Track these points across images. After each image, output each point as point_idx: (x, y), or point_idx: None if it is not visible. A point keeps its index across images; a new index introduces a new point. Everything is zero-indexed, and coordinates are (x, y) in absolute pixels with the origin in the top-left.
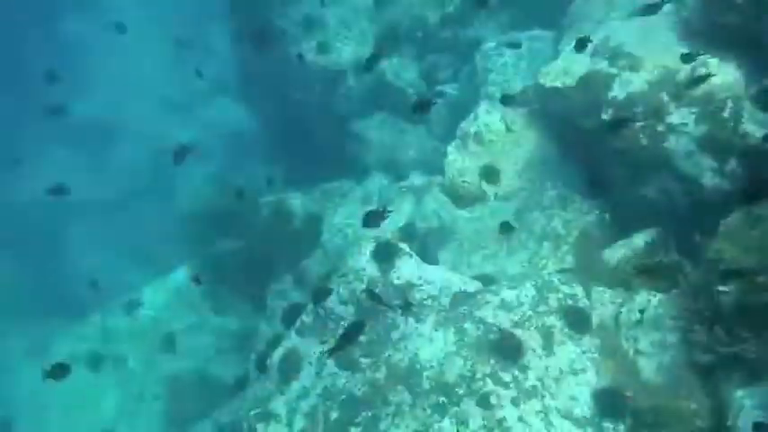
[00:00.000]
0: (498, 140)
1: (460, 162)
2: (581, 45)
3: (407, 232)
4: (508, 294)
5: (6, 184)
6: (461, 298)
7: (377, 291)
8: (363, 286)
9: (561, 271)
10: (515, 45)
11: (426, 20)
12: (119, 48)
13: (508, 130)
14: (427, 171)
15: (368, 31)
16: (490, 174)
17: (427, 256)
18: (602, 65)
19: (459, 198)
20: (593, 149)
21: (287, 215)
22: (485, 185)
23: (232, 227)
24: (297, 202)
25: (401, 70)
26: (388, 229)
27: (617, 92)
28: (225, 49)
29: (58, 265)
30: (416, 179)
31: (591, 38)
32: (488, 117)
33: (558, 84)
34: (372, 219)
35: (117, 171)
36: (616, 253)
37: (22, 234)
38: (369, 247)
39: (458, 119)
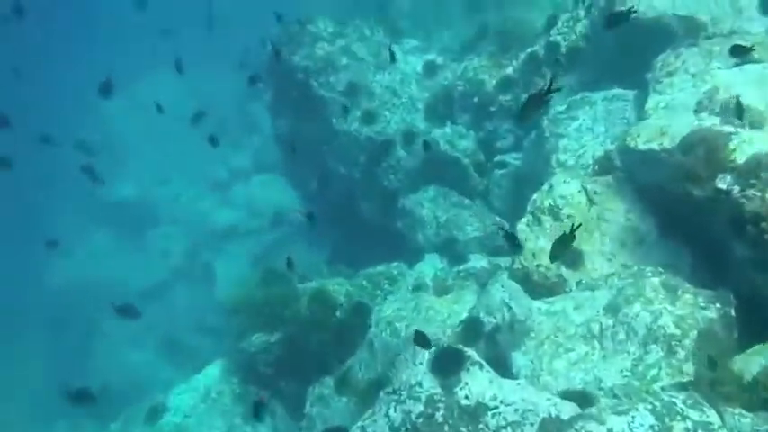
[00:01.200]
0: (579, 215)
1: (534, 242)
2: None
3: (471, 329)
4: (617, 423)
5: (40, 267)
6: (552, 427)
7: (439, 414)
8: (421, 408)
9: (681, 386)
10: (590, 105)
11: (482, 84)
12: (157, 127)
13: (590, 202)
14: (489, 252)
15: (417, 99)
16: (571, 256)
17: (497, 361)
18: (713, 121)
19: (534, 286)
20: (707, 224)
21: (329, 304)
22: (565, 271)
23: (271, 317)
24: (340, 288)
25: (456, 139)
26: (447, 324)
27: (736, 153)
28: (267, 125)
29: (89, 359)
30: (478, 262)
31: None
32: (565, 188)
33: (654, 146)
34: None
35: (153, 255)
36: (751, 363)
37: (54, 321)
38: (426, 355)
39: (522, 192)
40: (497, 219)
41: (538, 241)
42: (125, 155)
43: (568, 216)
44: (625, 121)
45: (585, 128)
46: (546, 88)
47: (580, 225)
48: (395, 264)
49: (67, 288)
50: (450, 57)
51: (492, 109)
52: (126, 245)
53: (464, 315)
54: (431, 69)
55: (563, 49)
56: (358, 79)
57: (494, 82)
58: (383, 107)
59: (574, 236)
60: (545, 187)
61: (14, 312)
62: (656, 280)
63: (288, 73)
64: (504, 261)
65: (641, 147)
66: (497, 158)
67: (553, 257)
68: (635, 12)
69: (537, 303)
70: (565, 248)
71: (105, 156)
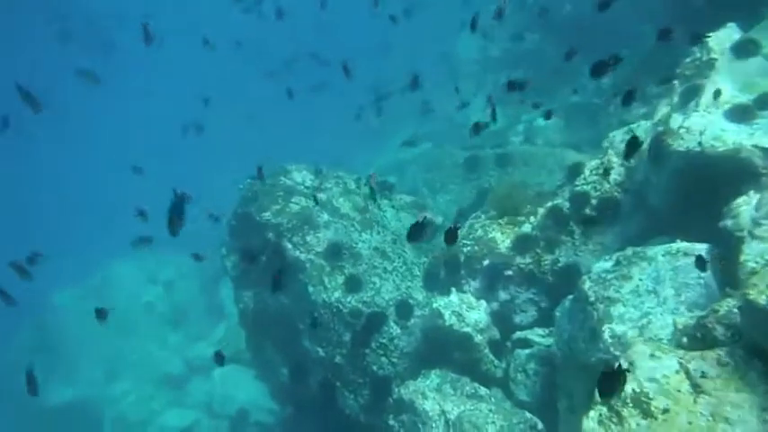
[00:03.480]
0: (681, 409)
1: None
2: None
3: None
4: None
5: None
6: None
7: None
8: None
9: None
10: (649, 262)
11: (494, 243)
12: (111, 318)
13: (696, 389)
14: None
15: (413, 262)
16: None
17: None
18: None
19: None
20: None
21: None
22: None
23: None
24: None
25: (464, 310)
26: None
27: None
28: (229, 303)
29: None
30: None
31: None
32: (656, 366)
33: None
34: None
35: None
36: None
37: None
38: None
39: (558, 379)
40: (528, 415)
41: None
42: (71, 351)
43: (665, 411)
44: (701, 281)
45: (646, 290)
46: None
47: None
48: None
49: None
50: (449, 220)
51: (507, 273)
52: None
53: None
54: (429, 229)
55: (593, 200)
56: (341, 239)
57: (508, 241)
58: (372, 272)
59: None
60: (620, 365)
61: None
62: None
63: (256, 233)
64: None
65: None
66: (518, 335)
67: None
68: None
69: None
70: None
71: (45, 354)
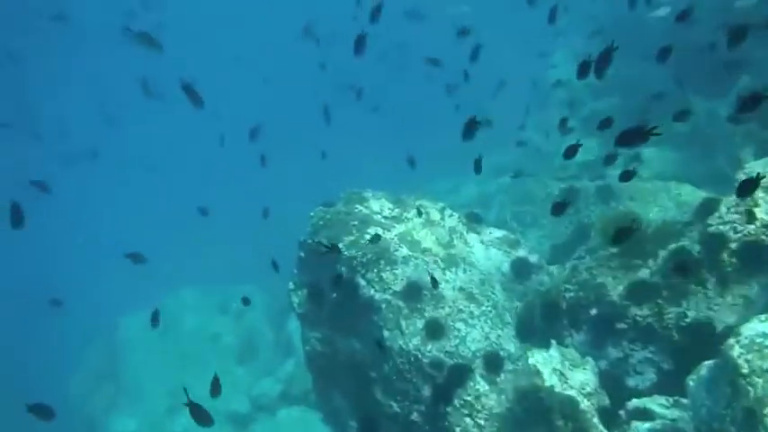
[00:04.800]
0: None
1: None
2: None
3: None
4: None
5: None
6: None
7: None
8: None
9: None
10: None
11: (604, 290)
12: (176, 347)
13: None
14: None
15: (504, 307)
16: None
17: None
18: None
19: None
20: None
21: None
22: None
23: None
24: None
25: (566, 368)
26: None
27: None
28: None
29: None
30: None
31: None
32: None
33: None
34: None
35: None
36: None
37: None
38: None
39: None
40: None
41: None
42: (136, 380)
43: None
44: None
45: None
46: None
47: None
48: None
49: None
50: (545, 258)
51: (620, 326)
52: None
53: None
54: (523, 269)
55: (732, 244)
56: (421, 277)
57: (621, 288)
58: (456, 317)
59: None
60: None
61: None
62: None
63: (326, 266)
64: None
65: None
66: (635, 404)
67: None
68: None
69: None
70: None
71: (111, 382)
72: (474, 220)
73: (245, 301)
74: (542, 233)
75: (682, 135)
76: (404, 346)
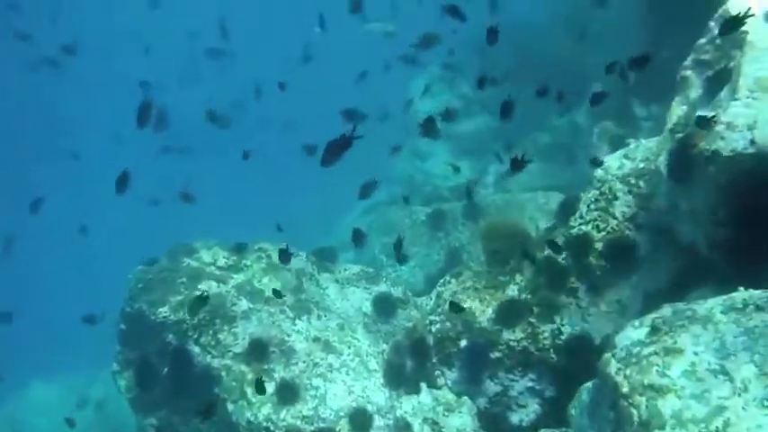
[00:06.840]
0: None
1: None
2: None
3: None
4: None
5: None
6: None
7: None
8: None
9: None
10: (704, 325)
11: (473, 317)
12: None
13: None
14: None
15: (369, 354)
16: None
17: None
18: None
19: None
20: None
21: None
22: None
23: None
24: None
25: (440, 415)
26: None
27: None
28: None
29: None
30: None
31: None
32: None
33: None
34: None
35: None
36: None
37: None
38: None
39: None
40: None
41: None
42: None
43: None
44: None
45: (707, 369)
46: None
47: None
48: None
49: None
50: (413, 292)
51: (495, 355)
52: None
53: None
54: (386, 305)
55: (597, 244)
56: (267, 332)
57: (489, 311)
58: (312, 373)
59: None
60: None
61: None
62: None
63: (151, 336)
64: None
65: None
66: None
67: None
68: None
69: None
70: None
71: None
72: (325, 257)
73: None
74: (414, 263)
75: (545, 147)
76: (252, 419)
